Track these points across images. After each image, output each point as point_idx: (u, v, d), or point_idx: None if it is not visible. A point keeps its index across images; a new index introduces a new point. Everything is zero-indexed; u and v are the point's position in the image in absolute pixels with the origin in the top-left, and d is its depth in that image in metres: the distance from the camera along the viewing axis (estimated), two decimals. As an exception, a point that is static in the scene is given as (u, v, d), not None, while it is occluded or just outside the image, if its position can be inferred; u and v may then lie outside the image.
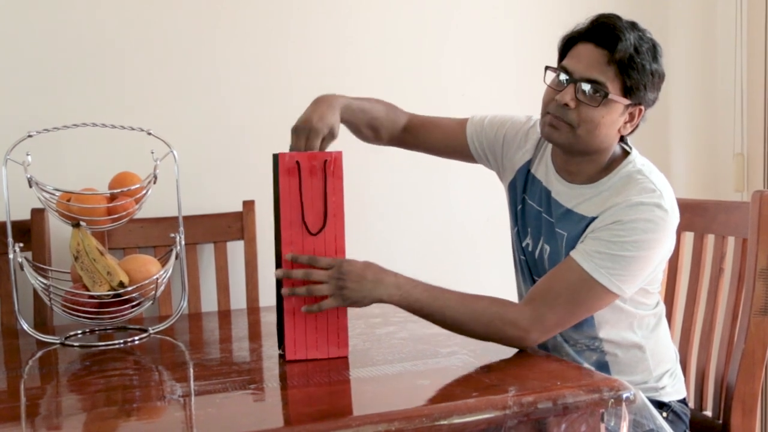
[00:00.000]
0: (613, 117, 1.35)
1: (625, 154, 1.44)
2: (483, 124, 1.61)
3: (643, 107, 1.39)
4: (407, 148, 1.67)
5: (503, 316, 1.33)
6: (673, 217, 1.35)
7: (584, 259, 1.32)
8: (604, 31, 1.34)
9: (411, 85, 2.19)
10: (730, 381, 1.54)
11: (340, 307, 1.33)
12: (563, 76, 1.37)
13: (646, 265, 1.34)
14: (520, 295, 1.61)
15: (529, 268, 1.54)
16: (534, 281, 1.51)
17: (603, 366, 1.47)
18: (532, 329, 1.32)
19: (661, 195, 1.34)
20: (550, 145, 1.52)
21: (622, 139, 1.43)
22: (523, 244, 1.54)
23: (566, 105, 1.34)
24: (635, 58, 1.32)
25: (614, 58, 1.32)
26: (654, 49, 1.36)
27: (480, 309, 1.34)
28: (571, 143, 1.38)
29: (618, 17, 1.36)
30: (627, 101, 1.35)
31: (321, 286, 1.29)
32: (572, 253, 1.34)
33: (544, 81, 1.41)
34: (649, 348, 1.47)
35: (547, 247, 1.47)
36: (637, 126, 1.41)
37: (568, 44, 1.40)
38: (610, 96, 1.33)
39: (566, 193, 1.45)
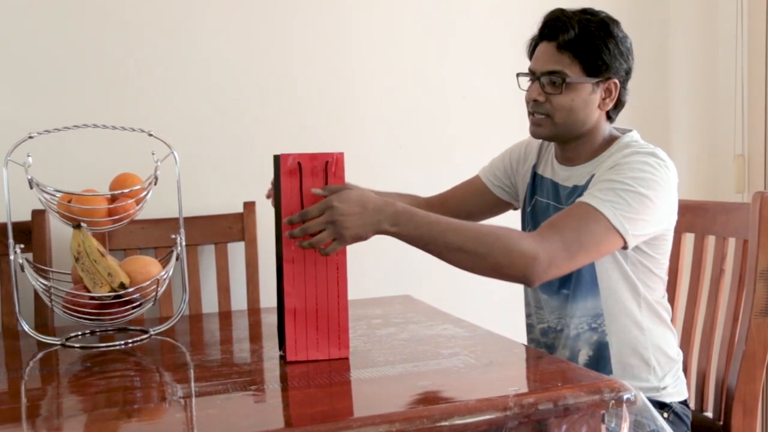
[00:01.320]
0: (583, 97, 1.44)
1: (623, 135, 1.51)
2: (491, 163, 1.75)
3: (616, 80, 1.45)
4: None
5: (510, 237, 1.29)
6: (671, 169, 1.41)
7: (588, 198, 1.37)
8: (550, 26, 1.45)
9: (413, 88, 2.19)
10: (730, 382, 1.54)
11: (341, 309, 1.33)
12: (529, 77, 1.49)
13: (648, 207, 1.36)
14: (527, 303, 1.65)
15: None
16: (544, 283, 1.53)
17: (603, 346, 1.48)
18: (540, 253, 1.28)
19: (658, 150, 1.42)
20: (552, 148, 1.60)
21: (609, 116, 1.50)
22: None
23: (536, 100, 1.46)
24: (583, 39, 1.42)
25: (561, 46, 1.42)
26: (606, 25, 1.43)
27: (485, 230, 1.31)
28: (556, 132, 1.48)
29: (562, 10, 1.46)
30: (593, 79, 1.44)
31: (321, 235, 1.25)
32: (576, 200, 1.39)
33: (519, 87, 1.54)
34: (648, 331, 1.48)
35: None
36: (619, 100, 1.48)
37: (532, 50, 1.53)
38: (569, 80, 1.43)
39: (570, 176, 1.52)
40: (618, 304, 1.47)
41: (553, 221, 1.36)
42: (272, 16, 2.06)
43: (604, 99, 1.46)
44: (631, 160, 1.39)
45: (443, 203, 1.74)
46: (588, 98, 1.45)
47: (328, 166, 1.30)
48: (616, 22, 1.46)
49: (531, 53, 1.53)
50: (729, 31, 2.32)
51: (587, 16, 1.44)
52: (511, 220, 1.71)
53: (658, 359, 1.49)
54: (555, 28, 1.43)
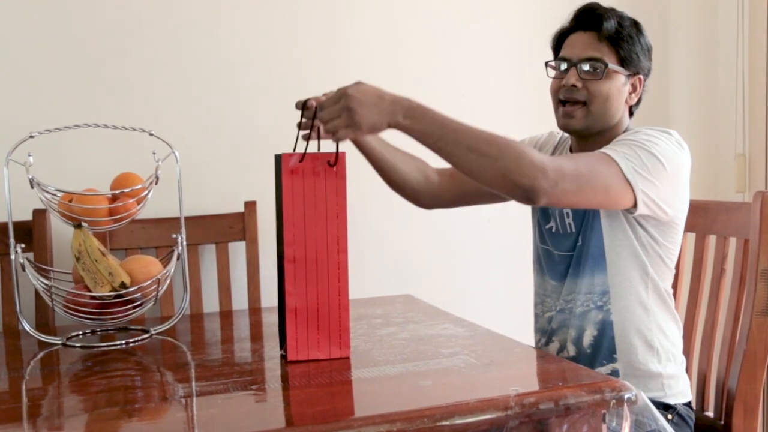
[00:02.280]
0: (618, 87, 1.46)
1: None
2: None
3: (641, 77, 1.50)
4: (444, 201, 1.68)
5: (522, 147, 1.28)
6: (685, 149, 1.44)
7: (603, 149, 1.39)
8: (587, 17, 1.48)
9: (413, 87, 2.17)
10: (731, 382, 1.54)
11: (342, 308, 1.33)
12: (563, 65, 1.49)
13: (659, 172, 1.37)
14: (536, 293, 1.66)
15: (547, 254, 1.58)
16: (552, 264, 1.56)
17: (607, 325, 1.49)
18: (549, 168, 1.26)
19: (673, 131, 1.44)
20: (568, 143, 1.61)
21: (630, 113, 1.53)
22: (547, 227, 1.58)
23: (573, 86, 1.45)
24: (622, 32, 1.46)
25: (603, 35, 1.45)
26: (636, 24, 1.49)
27: (497, 136, 1.29)
28: (589, 124, 1.47)
29: (597, 3, 1.49)
30: (626, 71, 1.47)
31: (335, 122, 1.25)
32: None
33: (548, 75, 1.53)
34: (652, 313, 1.49)
35: (570, 212, 1.53)
36: (640, 97, 1.52)
37: (559, 41, 1.53)
38: (610, 66, 1.45)
39: None
40: (624, 282, 1.47)
41: (569, 155, 1.40)
42: (274, 15, 2.06)
43: (630, 94, 1.49)
44: (647, 131, 1.42)
45: (452, 175, 1.66)
46: (621, 89, 1.47)
47: (330, 166, 1.30)
48: (641, 24, 1.50)
49: (558, 44, 1.53)
50: (729, 30, 2.32)
51: (619, 13, 1.48)
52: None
53: (661, 342, 1.49)
54: (595, 18, 1.46)
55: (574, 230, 1.52)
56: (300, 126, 1.36)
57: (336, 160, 1.30)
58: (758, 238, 1.51)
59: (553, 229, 1.58)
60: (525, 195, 1.28)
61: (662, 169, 1.38)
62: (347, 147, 1.37)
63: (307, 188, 1.29)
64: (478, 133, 1.28)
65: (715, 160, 2.39)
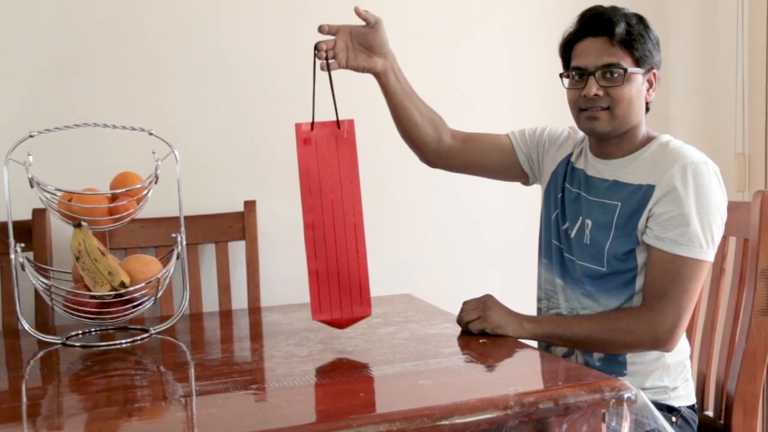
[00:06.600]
0: (638, 88, 1.46)
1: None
2: (523, 132, 1.71)
3: (655, 71, 1.49)
4: (450, 163, 1.70)
5: (625, 320, 1.42)
6: (716, 169, 1.46)
7: (680, 249, 1.39)
8: (595, 23, 1.45)
9: (415, 85, 2.18)
10: (731, 381, 1.54)
11: (361, 268, 1.41)
12: (580, 75, 1.46)
13: (716, 219, 1.41)
14: (539, 287, 1.66)
15: (561, 254, 1.57)
16: (565, 266, 1.56)
17: None
18: (658, 329, 1.39)
19: (708, 160, 1.46)
20: (586, 141, 1.60)
21: (647, 108, 1.53)
22: (563, 227, 1.58)
23: (595, 95, 1.44)
24: (632, 32, 1.44)
25: (616, 40, 1.43)
26: (641, 18, 1.47)
27: (602, 318, 1.45)
28: (614, 127, 1.47)
29: (602, 6, 1.47)
30: (642, 70, 1.46)
31: (472, 312, 1.48)
32: (653, 244, 1.41)
33: (564, 86, 1.51)
34: None
35: (589, 222, 1.51)
36: (655, 90, 1.52)
37: (567, 49, 1.51)
38: (630, 70, 1.43)
39: (607, 169, 1.52)
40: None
41: (656, 287, 1.41)
42: (275, 14, 2.05)
43: (648, 90, 1.49)
44: (701, 183, 1.41)
45: (466, 141, 1.67)
46: (640, 89, 1.47)
47: (340, 133, 1.38)
48: (644, 16, 1.49)
49: (566, 52, 1.51)
50: (729, 29, 2.32)
51: (622, 10, 1.47)
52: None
53: (673, 358, 1.48)
54: (605, 23, 1.44)
55: (589, 242, 1.50)
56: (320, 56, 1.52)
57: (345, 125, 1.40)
58: (758, 237, 1.51)
59: (569, 230, 1.56)
60: (654, 350, 1.45)
61: (717, 215, 1.41)
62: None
63: (321, 156, 1.36)
64: (588, 321, 1.45)
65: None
